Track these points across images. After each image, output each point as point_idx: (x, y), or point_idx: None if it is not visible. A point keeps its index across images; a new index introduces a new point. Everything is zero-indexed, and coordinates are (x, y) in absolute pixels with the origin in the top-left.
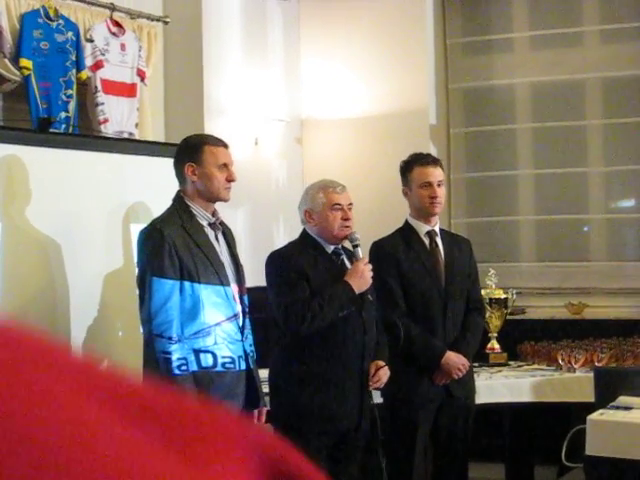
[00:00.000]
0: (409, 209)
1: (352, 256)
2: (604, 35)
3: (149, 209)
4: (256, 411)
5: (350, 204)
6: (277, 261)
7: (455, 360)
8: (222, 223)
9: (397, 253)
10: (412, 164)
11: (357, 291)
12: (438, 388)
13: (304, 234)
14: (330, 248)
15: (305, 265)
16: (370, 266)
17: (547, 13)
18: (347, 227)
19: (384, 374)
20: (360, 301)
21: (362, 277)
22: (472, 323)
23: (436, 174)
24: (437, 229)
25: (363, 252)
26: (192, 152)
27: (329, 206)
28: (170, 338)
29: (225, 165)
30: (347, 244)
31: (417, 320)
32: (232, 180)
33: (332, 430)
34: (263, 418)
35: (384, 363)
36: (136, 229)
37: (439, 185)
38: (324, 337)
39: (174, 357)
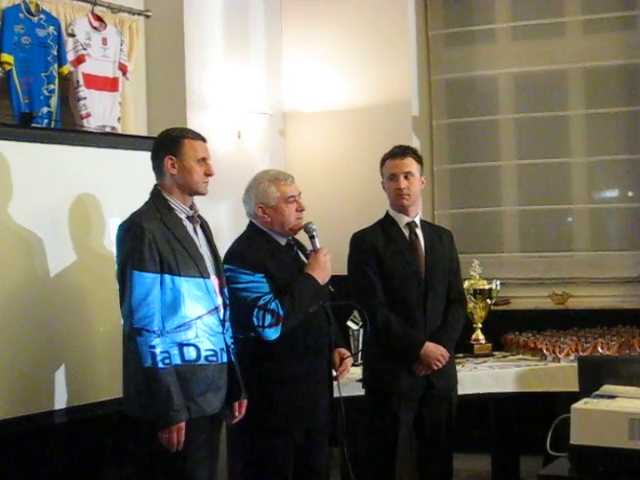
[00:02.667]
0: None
1: (311, 247)
2: (586, 25)
3: (131, 203)
4: (236, 403)
5: (300, 193)
6: (237, 262)
7: (434, 351)
8: (199, 216)
9: (377, 244)
10: (385, 157)
11: (321, 283)
12: (419, 379)
13: (253, 227)
14: (283, 240)
15: (265, 261)
16: (329, 256)
17: (529, 3)
18: (301, 218)
19: (350, 363)
20: (326, 293)
21: (324, 269)
22: (452, 314)
23: (403, 165)
24: (417, 220)
25: (326, 240)
26: (172, 145)
27: (284, 199)
28: (151, 331)
29: (204, 159)
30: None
31: (397, 311)
32: (210, 174)
33: (305, 426)
34: (243, 410)
35: (347, 352)
36: (116, 223)
37: (406, 177)
38: (292, 334)
39: (157, 351)
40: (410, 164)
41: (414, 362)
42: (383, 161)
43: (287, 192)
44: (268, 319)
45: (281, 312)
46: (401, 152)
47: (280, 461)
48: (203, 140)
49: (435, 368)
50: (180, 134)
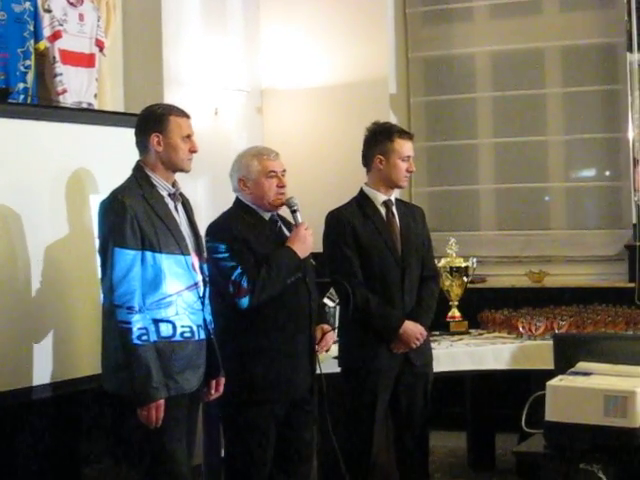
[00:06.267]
0: (367, 177)
1: (293, 222)
2: (563, 3)
3: (109, 179)
4: (214, 381)
5: (284, 171)
6: (218, 233)
7: (413, 329)
8: (181, 194)
9: (354, 222)
10: (393, 135)
11: (301, 256)
12: (397, 357)
13: (238, 202)
14: (267, 215)
15: (245, 233)
16: (311, 231)
17: None
18: (282, 194)
19: (331, 338)
20: (304, 266)
21: (304, 242)
22: (427, 291)
23: (412, 148)
24: (393, 199)
25: (303, 217)
26: (158, 122)
27: (264, 173)
28: (131, 308)
29: (188, 136)
30: (285, 211)
31: (375, 289)
32: (195, 151)
33: (286, 399)
34: (221, 388)
35: (330, 327)
36: (96, 199)
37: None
38: (271, 306)
39: (135, 327)
40: None
41: (392, 341)
42: (389, 137)
43: (268, 167)
44: (244, 288)
45: (256, 281)
46: (409, 133)
47: (259, 434)
48: (187, 117)
49: (413, 347)
50: (165, 111)
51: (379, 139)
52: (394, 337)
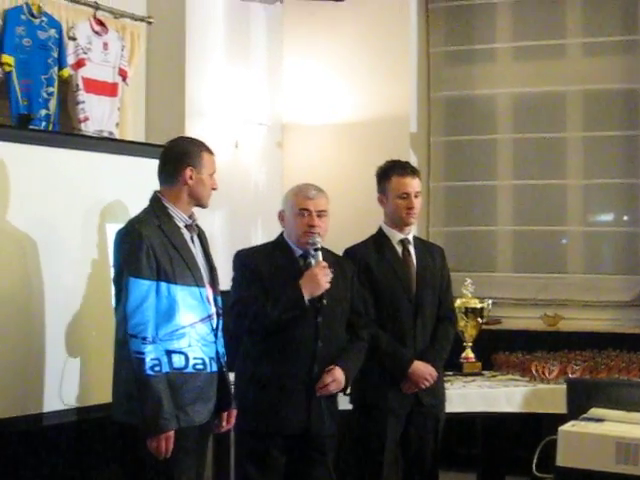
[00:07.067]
0: (384, 216)
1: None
2: (587, 48)
3: (126, 209)
4: (225, 413)
5: (322, 210)
6: (235, 259)
7: (422, 370)
8: (197, 225)
9: (368, 260)
10: (390, 173)
11: (308, 295)
12: (408, 396)
13: (280, 235)
14: (298, 252)
15: (260, 264)
16: (328, 271)
17: (530, 24)
18: (311, 234)
19: (329, 378)
20: (305, 305)
21: (313, 281)
22: (442, 332)
23: (414, 185)
24: (410, 237)
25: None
26: (194, 156)
27: (295, 210)
28: (145, 339)
29: (213, 174)
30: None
31: (386, 328)
32: (215, 189)
33: (274, 431)
34: (232, 420)
35: (340, 373)
36: (113, 228)
37: (416, 196)
38: (276, 340)
39: (148, 358)
40: (419, 184)
41: (402, 380)
42: (386, 176)
43: (300, 204)
44: (238, 314)
45: (252, 310)
46: (411, 171)
47: (255, 462)
48: (214, 155)
49: (423, 387)
50: (200, 146)
51: (379, 178)
52: (403, 376)
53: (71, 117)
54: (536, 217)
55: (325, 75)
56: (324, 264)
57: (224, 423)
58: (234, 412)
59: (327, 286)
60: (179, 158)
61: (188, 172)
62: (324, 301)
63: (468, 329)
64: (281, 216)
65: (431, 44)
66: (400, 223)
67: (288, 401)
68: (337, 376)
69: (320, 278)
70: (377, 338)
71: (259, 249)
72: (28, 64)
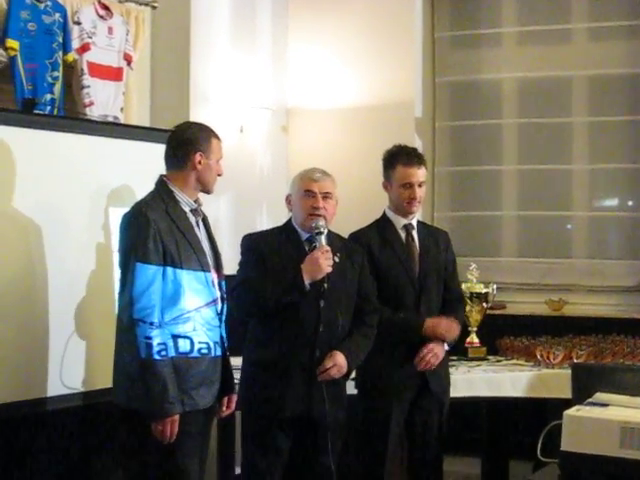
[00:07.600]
0: (389, 201)
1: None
2: (592, 33)
3: (132, 193)
4: (226, 398)
5: (327, 192)
6: (243, 242)
7: (437, 320)
8: (201, 210)
9: (372, 246)
10: (395, 161)
11: (308, 279)
12: (413, 378)
13: (288, 220)
14: (304, 236)
15: (266, 248)
16: (330, 255)
17: (536, 9)
18: (315, 216)
19: (330, 362)
20: (304, 289)
21: (314, 265)
22: (454, 306)
23: (419, 174)
24: (414, 222)
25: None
26: (203, 142)
27: (300, 193)
28: (151, 323)
29: (220, 159)
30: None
31: None
32: (221, 174)
33: (271, 414)
34: (233, 405)
35: (342, 357)
36: (117, 212)
37: (420, 185)
38: (279, 323)
39: (155, 342)
40: (424, 174)
41: (419, 340)
42: (391, 164)
43: (305, 186)
44: (238, 296)
45: (252, 292)
46: (416, 161)
47: (256, 444)
48: (221, 140)
49: (443, 337)
50: (209, 132)
51: (385, 164)
52: (418, 335)
53: (76, 101)
54: (541, 202)
55: (330, 60)
56: (326, 248)
57: (224, 408)
58: (234, 397)
59: (328, 270)
60: (189, 143)
61: (197, 157)
62: (325, 285)
63: (473, 314)
64: (288, 200)
65: (436, 29)
66: (402, 211)
67: (289, 384)
68: (338, 361)
69: (321, 262)
70: (384, 311)
71: (266, 233)
72: (33, 48)
